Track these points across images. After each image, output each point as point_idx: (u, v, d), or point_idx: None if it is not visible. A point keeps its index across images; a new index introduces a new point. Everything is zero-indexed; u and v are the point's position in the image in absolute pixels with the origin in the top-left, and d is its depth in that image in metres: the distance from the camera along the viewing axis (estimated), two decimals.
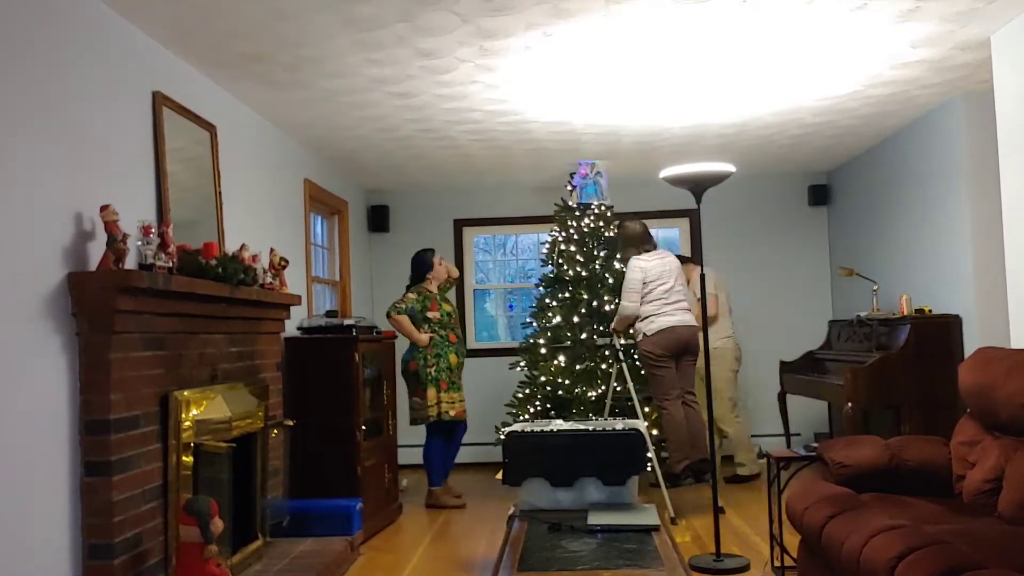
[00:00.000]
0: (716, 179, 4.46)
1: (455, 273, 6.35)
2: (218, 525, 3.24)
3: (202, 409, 3.60)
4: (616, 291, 6.03)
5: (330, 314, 5.58)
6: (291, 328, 5.20)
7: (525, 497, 3.67)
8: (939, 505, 3.35)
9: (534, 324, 6.38)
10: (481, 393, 7.53)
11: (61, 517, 2.93)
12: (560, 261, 6.37)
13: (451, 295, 6.65)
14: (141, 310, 3.20)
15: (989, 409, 3.41)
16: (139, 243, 3.26)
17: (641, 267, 5.39)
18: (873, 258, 6.64)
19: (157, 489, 3.34)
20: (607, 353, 6.01)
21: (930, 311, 5.55)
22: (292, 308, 4.89)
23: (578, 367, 6.05)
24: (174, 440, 3.40)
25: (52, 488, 2.89)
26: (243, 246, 4.15)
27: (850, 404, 5.28)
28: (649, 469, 5.18)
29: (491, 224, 7.95)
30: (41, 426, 2.85)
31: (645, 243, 5.54)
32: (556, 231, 6.48)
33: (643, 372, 5.56)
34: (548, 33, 3.91)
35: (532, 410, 6.08)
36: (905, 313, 5.57)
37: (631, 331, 5.52)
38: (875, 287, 6.17)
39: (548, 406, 6.03)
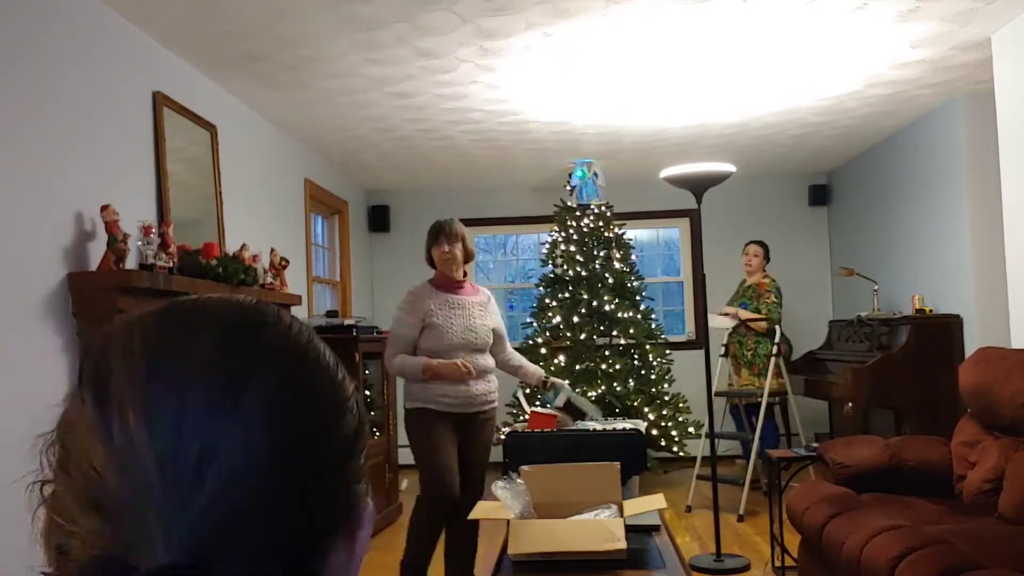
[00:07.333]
0: (716, 179, 4.46)
1: None
2: None
3: None
4: (616, 291, 6.03)
5: (330, 314, 5.58)
6: None
7: None
8: (939, 505, 3.35)
9: (534, 324, 6.38)
10: None
11: None
12: (560, 261, 6.37)
13: None
14: None
15: (989, 409, 3.41)
16: (139, 243, 3.26)
17: None
18: (873, 258, 6.64)
19: None
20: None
21: (930, 311, 5.55)
22: (292, 308, 4.88)
23: (578, 367, 6.05)
24: None
25: None
26: (243, 246, 4.16)
27: (850, 404, 5.27)
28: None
29: (491, 224, 7.94)
30: (41, 426, 2.84)
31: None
32: (556, 231, 6.48)
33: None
34: (548, 33, 3.91)
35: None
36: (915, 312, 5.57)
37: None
38: (875, 287, 6.16)
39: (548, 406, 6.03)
